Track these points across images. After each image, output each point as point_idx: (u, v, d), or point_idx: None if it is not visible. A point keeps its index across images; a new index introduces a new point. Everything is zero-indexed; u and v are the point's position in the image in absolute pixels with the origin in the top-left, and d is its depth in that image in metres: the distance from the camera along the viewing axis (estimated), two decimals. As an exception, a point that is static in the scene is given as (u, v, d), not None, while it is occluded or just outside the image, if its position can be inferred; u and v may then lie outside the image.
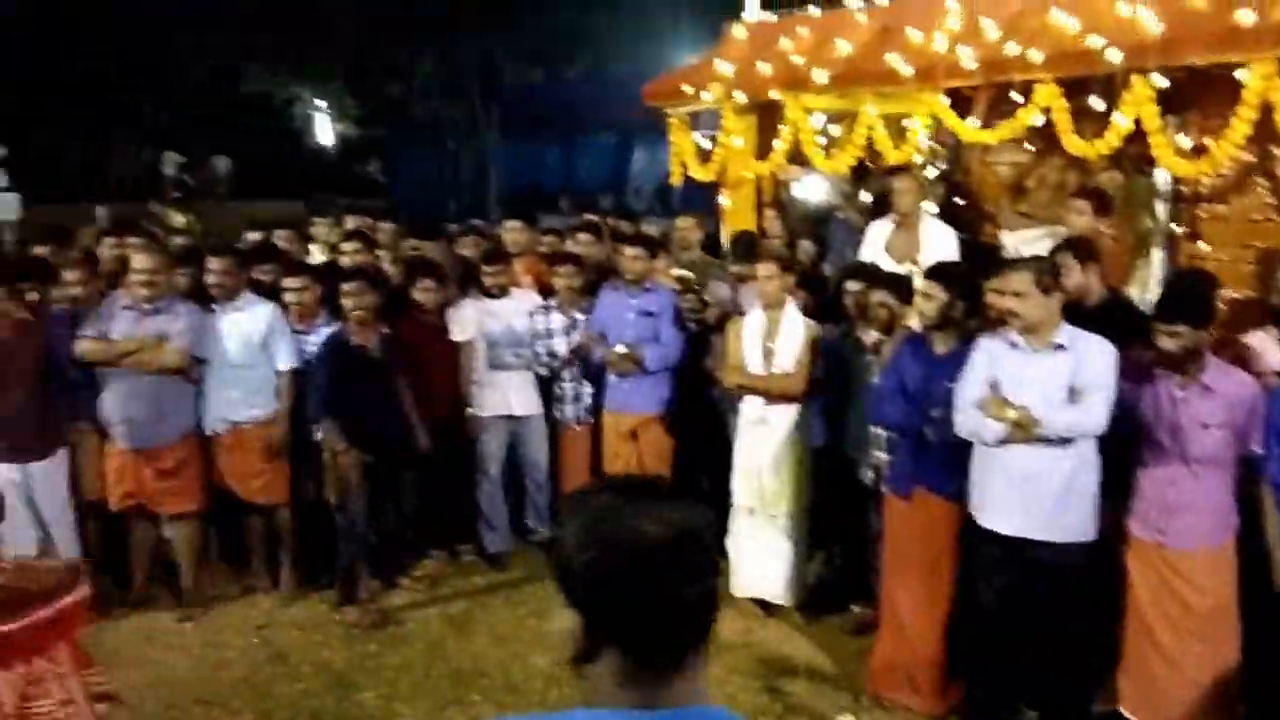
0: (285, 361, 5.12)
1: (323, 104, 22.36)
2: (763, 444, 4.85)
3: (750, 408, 4.92)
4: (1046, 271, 3.67)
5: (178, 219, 9.03)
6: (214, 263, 5.11)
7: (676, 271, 5.82)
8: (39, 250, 5.68)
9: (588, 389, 5.66)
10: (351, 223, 6.47)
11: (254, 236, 6.53)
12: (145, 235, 5.76)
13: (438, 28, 18.59)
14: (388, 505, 5.22)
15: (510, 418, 5.62)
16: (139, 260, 4.82)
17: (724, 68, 6.58)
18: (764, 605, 4.98)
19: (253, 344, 5.06)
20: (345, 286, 5.01)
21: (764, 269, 4.79)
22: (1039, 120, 5.05)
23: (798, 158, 6.54)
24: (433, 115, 20.94)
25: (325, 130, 22.95)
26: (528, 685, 4.42)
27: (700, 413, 5.46)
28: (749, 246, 5.83)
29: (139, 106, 18.47)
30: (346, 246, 5.84)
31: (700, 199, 7.56)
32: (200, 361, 4.99)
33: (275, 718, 4.20)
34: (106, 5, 16.71)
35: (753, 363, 4.86)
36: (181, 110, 19.00)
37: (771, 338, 4.82)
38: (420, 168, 20.85)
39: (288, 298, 5.20)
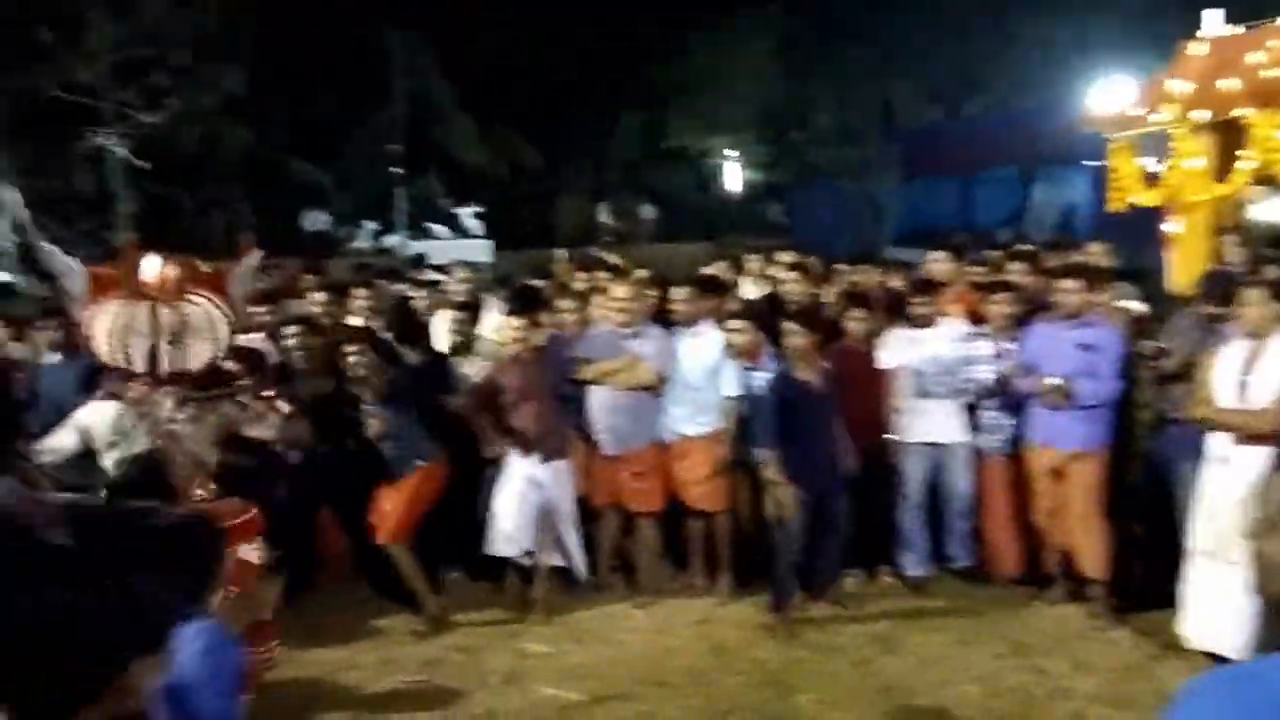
0: (730, 388, 5.60)
1: (733, 153, 24.04)
2: (1225, 484, 4.43)
3: (1216, 445, 4.52)
4: None
5: (613, 261, 10.24)
6: (678, 292, 5.76)
7: (1128, 305, 5.49)
8: (533, 284, 6.79)
9: (1009, 420, 5.54)
10: (789, 257, 6.93)
11: (708, 270, 7.12)
12: (615, 270, 6.66)
13: (837, 75, 19.28)
14: (819, 526, 5.47)
15: (934, 445, 5.65)
16: (616, 290, 5.61)
17: (1179, 86, 6.14)
18: (1217, 659, 4.51)
19: (705, 367, 5.60)
20: (787, 326, 5.36)
21: (1252, 294, 4.40)
22: None
23: (1264, 178, 5.90)
24: (830, 158, 21.67)
25: (734, 177, 24.56)
26: (962, 712, 4.41)
27: (1139, 455, 5.09)
28: (1228, 284, 5.26)
29: (584, 166, 21.42)
30: (787, 277, 6.28)
31: (1113, 230, 7.04)
32: (664, 379, 5.61)
33: (720, 706, 4.54)
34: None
35: (1225, 397, 4.47)
36: (615, 166, 21.65)
37: (1250, 370, 4.41)
38: (818, 208, 21.50)
39: (729, 338, 5.61)
